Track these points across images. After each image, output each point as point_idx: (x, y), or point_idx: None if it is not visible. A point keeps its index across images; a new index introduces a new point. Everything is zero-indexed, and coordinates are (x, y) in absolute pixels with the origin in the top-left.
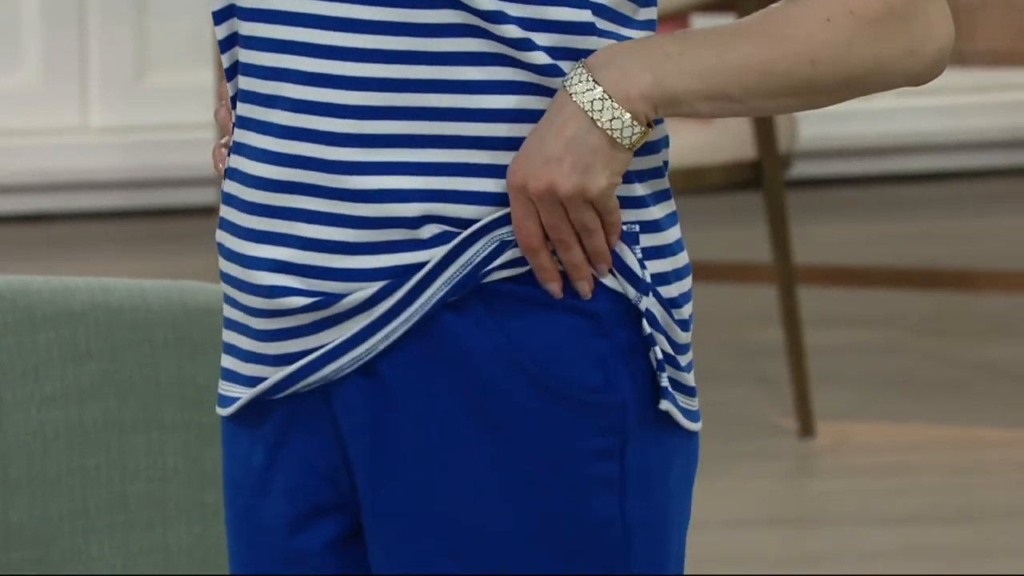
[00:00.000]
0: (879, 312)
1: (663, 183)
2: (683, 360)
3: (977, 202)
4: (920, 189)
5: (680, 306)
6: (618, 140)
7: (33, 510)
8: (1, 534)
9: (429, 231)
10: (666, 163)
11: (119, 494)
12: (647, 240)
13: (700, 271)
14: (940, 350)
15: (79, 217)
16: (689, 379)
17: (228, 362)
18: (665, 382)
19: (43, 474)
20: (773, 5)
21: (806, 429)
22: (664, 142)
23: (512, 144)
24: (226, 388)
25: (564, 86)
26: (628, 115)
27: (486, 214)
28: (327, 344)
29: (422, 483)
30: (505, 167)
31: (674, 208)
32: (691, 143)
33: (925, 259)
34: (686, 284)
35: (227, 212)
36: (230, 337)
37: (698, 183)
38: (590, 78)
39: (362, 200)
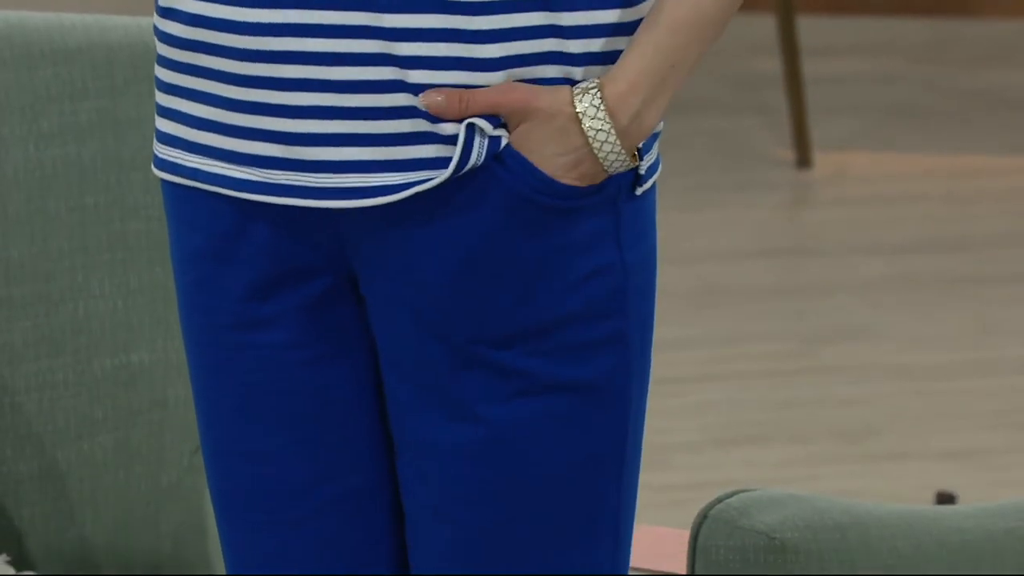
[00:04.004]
0: (878, 40)
1: None
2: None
3: None
4: None
5: None
6: (606, 169)
7: (32, 246)
8: (1, 269)
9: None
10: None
11: (118, 232)
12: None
13: None
14: (939, 78)
15: None
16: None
17: (182, 131)
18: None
19: (42, 211)
20: None
21: (804, 159)
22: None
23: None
24: (176, 156)
25: (576, 107)
26: (628, 161)
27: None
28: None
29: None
30: None
31: None
32: None
33: None
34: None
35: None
36: (190, 107)
37: None
38: (606, 114)
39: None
